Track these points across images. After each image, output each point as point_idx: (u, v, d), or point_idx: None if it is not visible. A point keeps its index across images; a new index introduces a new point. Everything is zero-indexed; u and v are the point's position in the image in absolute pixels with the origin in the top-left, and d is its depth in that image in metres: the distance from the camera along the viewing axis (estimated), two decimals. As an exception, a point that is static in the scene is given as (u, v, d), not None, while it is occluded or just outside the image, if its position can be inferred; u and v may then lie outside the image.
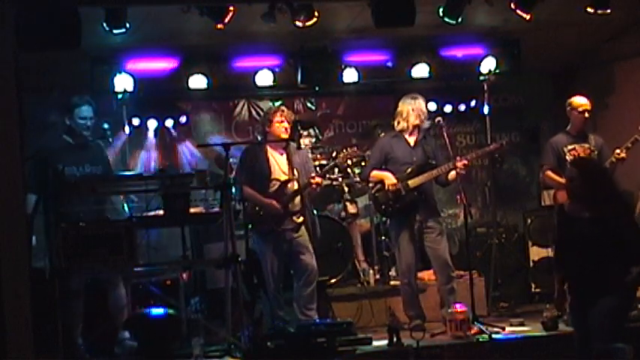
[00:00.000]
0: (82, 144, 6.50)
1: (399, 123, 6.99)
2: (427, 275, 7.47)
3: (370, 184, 7.18)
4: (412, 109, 6.91)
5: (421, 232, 6.90)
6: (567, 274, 5.49)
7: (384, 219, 8.13)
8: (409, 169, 6.88)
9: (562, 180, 6.99)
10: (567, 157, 7.08)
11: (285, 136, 6.84)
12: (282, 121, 6.82)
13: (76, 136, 6.50)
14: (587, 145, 7.12)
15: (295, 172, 6.85)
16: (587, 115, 7.13)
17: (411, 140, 6.97)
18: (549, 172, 7.13)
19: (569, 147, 7.11)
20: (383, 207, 7.00)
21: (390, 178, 6.89)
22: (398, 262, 7.04)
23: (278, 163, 6.88)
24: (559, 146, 7.14)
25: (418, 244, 6.92)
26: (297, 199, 6.82)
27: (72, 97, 6.60)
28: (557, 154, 7.13)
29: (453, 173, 6.86)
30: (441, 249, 6.89)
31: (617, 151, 6.88)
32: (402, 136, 7.00)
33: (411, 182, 6.84)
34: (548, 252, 8.35)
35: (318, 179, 6.79)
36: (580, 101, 7.16)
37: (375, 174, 7.01)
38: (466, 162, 6.79)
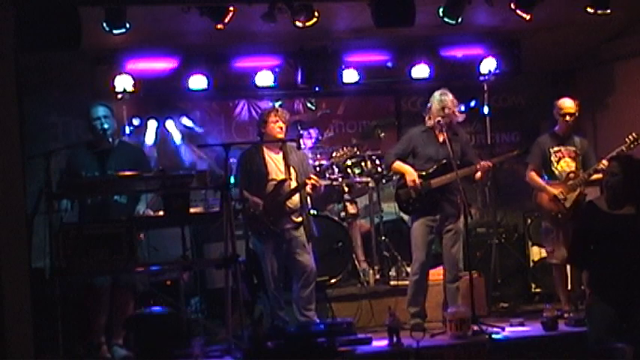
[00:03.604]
0: (107, 149, 6.46)
1: (429, 119, 6.93)
2: (429, 274, 7.45)
3: (394, 177, 7.16)
4: (439, 106, 6.83)
5: (440, 230, 6.89)
6: (590, 270, 5.53)
7: (384, 219, 8.15)
8: (432, 168, 6.83)
9: (543, 183, 7.10)
10: (552, 159, 7.13)
11: (280, 135, 6.84)
12: (276, 121, 6.81)
13: (97, 140, 6.46)
14: (572, 148, 7.15)
15: (292, 171, 6.85)
16: (568, 118, 7.11)
17: (440, 137, 6.85)
18: (532, 174, 7.18)
19: (555, 148, 7.15)
20: (404, 205, 6.97)
21: (411, 174, 6.82)
22: (413, 258, 6.99)
23: (275, 163, 6.88)
24: (545, 147, 7.18)
25: (434, 244, 6.93)
26: (296, 198, 6.81)
27: (87, 105, 6.55)
28: (543, 154, 7.17)
29: (478, 174, 6.85)
30: (455, 249, 6.87)
31: (604, 161, 6.79)
32: (431, 132, 6.91)
33: (434, 182, 6.79)
34: (549, 252, 8.38)
35: (314, 179, 6.78)
36: (563, 104, 7.15)
37: (398, 166, 6.93)
38: (490, 164, 6.83)
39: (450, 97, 6.86)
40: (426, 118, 6.98)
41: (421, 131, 7.00)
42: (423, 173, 6.84)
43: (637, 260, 5.30)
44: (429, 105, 6.95)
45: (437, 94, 6.91)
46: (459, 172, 6.71)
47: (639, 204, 5.42)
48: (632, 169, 5.48)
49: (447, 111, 6.80)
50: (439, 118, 6.79)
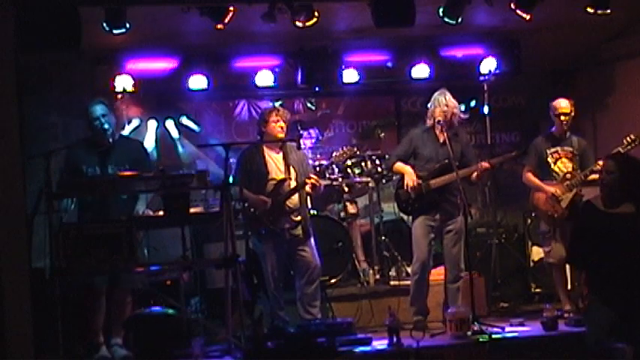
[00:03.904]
0: (107, 147, 6.44)
1: (429, 119, 6.93)
2: (430, 274, 7.45)
3: (394, 177, 7.20)
4: (436, 106, 6.83)
5: (441, 230, 6.89)
6: (590, 269, 5.54)
7: (384, 219, 8.15)
8: (432, 169, 6.83)
9: (539, 182, 7.11)
10: (549, 159, 7.14)
11: (281, 135, 6.84)
12: (277, 121, 6.82)
13: (98, 139, 6.45)
14: (569, 149, 7.14)
15: (292, 171, 6.85)
16: (563, 118, 7.11)
17: (441, 137, 6.83)
18: (529, 174, 7.19)
19: (552, 150, 7.15)
20: (404, 205, 6.98)
21: (411, 175, 6.83)
22: (414, 257, 6.99)
23: (275, 162, 6.89)
24: (541, 148, 7.18)
25: (435, 244, 6.92)
26: (296, 198, 6.81)
27: (86, 105, 6.53)
28: (539, 156, 7.17)
29: (474, 175, 6.85)
30: (455, 249, 6.88)
31: (600, 162, 6.77)
32: (432, 132, 6.90)
33: (433, 182, 6.79)
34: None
35: (314, 179, 6.78)
36: (558, 104, 7.15)
37: (398, 167, 6.96)
38: (488, 165, 6.83)
39: (447, 97, 6.86)
40: (427, 119, 6.99)
41: (422, 131, 7.00)
42: (423, 174, 6.85)
43: (636, 260, 5.30)
44: (428, 105, 6.96)
45: (436, 94, 6.92)
46: (460, 171, 6.71)
47: (639, 203, 5.43)
48: (628, 168, 5.49)
49: (441, 109, 6.79)
50: (439, 118, 6.79)
